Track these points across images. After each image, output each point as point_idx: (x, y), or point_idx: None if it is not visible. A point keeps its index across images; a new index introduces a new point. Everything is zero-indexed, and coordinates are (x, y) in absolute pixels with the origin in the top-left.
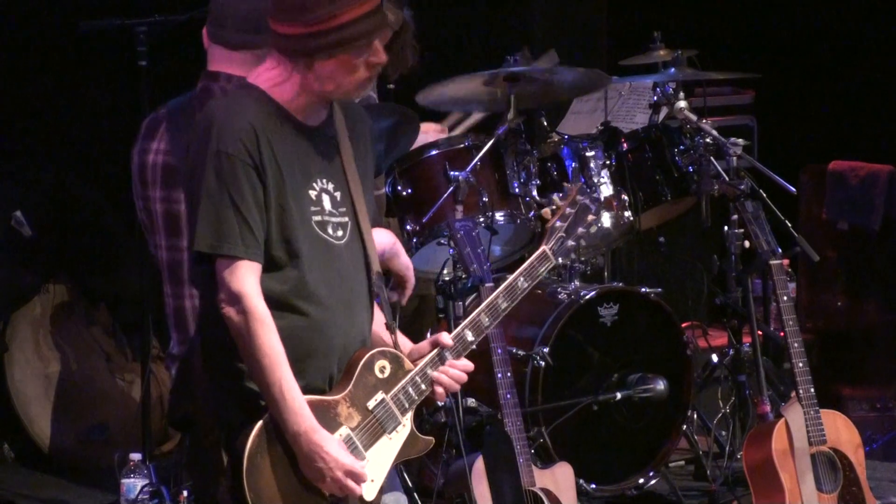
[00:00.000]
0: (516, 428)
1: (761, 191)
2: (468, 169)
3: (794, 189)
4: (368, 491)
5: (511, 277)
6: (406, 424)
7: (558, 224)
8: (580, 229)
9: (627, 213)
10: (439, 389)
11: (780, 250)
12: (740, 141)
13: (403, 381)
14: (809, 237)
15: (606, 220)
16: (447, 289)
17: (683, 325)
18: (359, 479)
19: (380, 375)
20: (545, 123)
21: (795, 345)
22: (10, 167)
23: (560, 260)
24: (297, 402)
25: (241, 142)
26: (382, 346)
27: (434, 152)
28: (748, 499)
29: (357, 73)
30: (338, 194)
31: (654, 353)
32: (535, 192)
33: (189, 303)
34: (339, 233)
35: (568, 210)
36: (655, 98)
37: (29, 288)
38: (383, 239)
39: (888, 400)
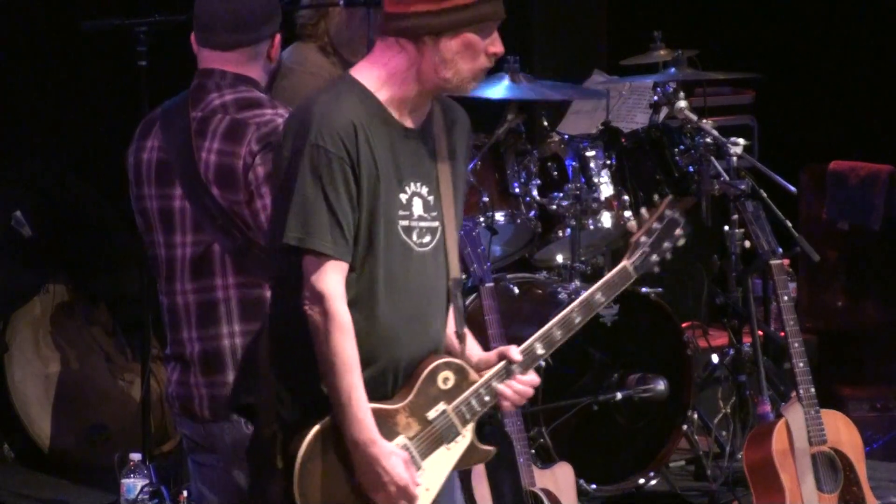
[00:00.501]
0: (516, 428)
1: (761, 191)
2: (468, 169)
3: (794, 189)
4: (422, 500)
5: (588, 292)
6: (466, 435)
7: (643, 239)
8: (666, 244)
9: (627, 213)
10: (505, 403)
11: (780, 250)
12: (740, 141)
13: (467, 393)
14: (809, 237)
15: (606, 220)
16: None
17: (683, 325)
18: (412, 498)
19: (442, 386)
20: (545, 123)
21: (795, 345)
22: (9, 167)
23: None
24: (361, 411)
25: (340, 138)
26: (449, 356)
27: None
28: (748, 499)
29: (478, 60)
30: (431, 198)
31: (654, 353)
32: (535, 192)
33: (181, 299)
34: (426, 238)
35: (655, 225)
36: (655, 98)
37: (29, 288)
38: None
39: (888, 400)
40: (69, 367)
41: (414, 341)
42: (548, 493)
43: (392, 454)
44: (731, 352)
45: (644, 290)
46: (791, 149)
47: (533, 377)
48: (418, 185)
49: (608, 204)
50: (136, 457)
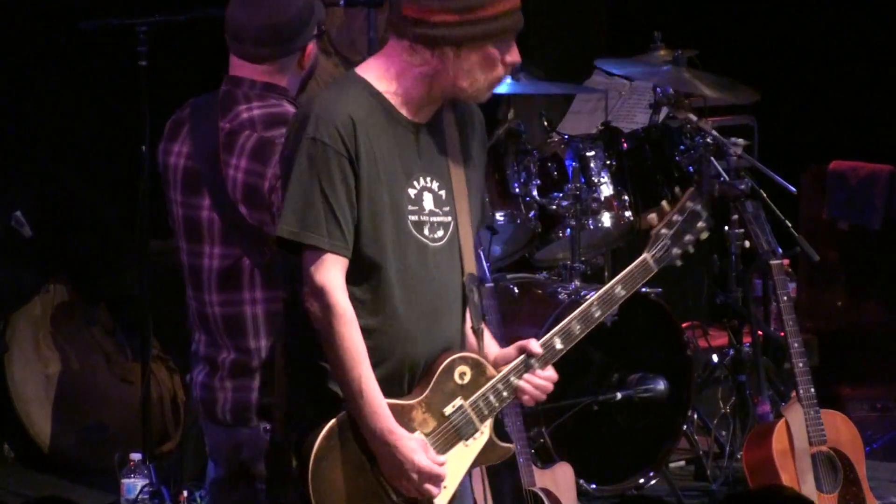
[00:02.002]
0: (516, 428)
1: (761, 191)
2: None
3: (794, 189)
4: (441, 497)
5: (608, 285)
6: (484, 432)
7: (664, 231)
8: (688, 237)
9: (627, 213)
10: (524, 397)
11: (780, 250)
12: (740, 141)
13: (484, 388)
14: (809, 237)
15: (606, 220)
16: None
17: (683, 325)
18: (437, 480)
19: (459, 381)
20: (545, 123)
21: (795, 345)
22: (9, 167)
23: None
24: (375, 401)
25: (336, 131)
26: (466, 352)
27: None
28: None
29: (495, 70)
30: (442, 193)
31: (654, 353)
32: (535, 192)
33: (209, 310)
34: (439, 233)
35: (676, 216)
36: (656, 98)
37: (29, 288)
38: None
39: (888, 400)
40: (69, 367)
41: (429, 338)
42: (548, 493)
43: (411, 439)
44: (731, 352)
45: (644, 290)
46: (791, 149)
47: (551, 372)
48: (428, 179)
49: (608, 204)
50: (136, 457)
